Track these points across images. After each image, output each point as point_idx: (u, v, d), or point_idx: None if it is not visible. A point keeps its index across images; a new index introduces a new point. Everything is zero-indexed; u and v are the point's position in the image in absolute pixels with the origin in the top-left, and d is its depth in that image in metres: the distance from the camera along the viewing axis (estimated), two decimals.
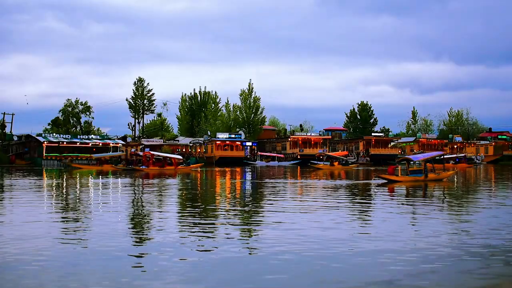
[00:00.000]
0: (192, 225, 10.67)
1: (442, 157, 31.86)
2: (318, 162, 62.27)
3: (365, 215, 12.82)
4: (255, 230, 10.25)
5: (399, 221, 11.55)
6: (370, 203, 16.01)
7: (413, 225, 11.16)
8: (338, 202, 15.66)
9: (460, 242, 8.72)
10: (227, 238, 9.15)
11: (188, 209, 14.26)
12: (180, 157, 46.30)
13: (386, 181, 24.97)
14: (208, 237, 9.26)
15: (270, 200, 16.60)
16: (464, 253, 7.82)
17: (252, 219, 11.85)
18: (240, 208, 14.14)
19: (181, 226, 10.73)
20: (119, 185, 24.02)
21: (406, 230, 10.22)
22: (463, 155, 63.74)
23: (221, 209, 14.21)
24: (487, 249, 8.14)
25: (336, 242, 8.66)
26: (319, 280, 6.37)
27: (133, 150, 57.68)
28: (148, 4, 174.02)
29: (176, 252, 7.91)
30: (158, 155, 44.33)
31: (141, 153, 48.17)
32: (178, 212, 13.57)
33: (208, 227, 10.36)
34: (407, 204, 15.74)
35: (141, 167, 41.77)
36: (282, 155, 72.33)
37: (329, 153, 59.90)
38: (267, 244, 8.45)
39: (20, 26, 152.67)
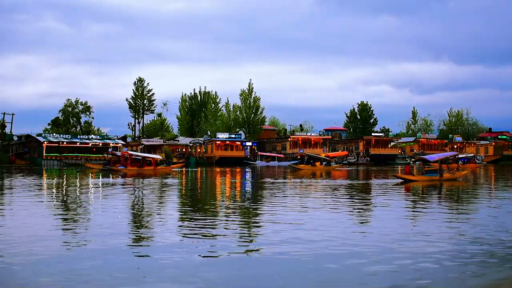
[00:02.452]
0: (192, 225, 10.67)
1: (456, 157, 32.16)
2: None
3: (365, 214, 12.82)
4: (255, 229, 10.26)
5: (400, 220, 11.54)
6: (371, 202, 16.01)
7: (413, 224, 11.17)
8: (338, 201, 15.68)
9: (460, 241, 8.73)
10: (226, 237, 9.15)
11: (187, 208, 14.27)
12: (159, 157, 44.72)
13: (402, 180, 25.45)
14: (208, 237, 9.26)
15: (269, 199, 16.59)
16: (465, 253, 7.83)
17: (252, 219, 11.86)
18: (240, 208, 14.14)
19: (180, 225, 10.73)
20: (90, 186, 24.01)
21: (406, 229, 10.22)
22: (472, 155, 63.45)
23: (221, 208, 14.21)
24: (488, 249, 8.14)
25: (335, 241, 8.66)
26: (318, 281, 6.38)
27: (110, 149, 55.58)
28: (148, 4, 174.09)
29: (176, 251, 7.92)
30: (137, 155, 43.03)
31: (118, 153, 46.71)
32: (178, 212, 13.58)
33: (208, 227, 10.36)
34: (410, 204, 15.75)
35: (119, 167, 40.69)
36: (282, 155, 72.30)
37: (310, 153, 57.15)
38: (267, 244, 8.46)
39: (19, 26, 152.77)
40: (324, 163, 50.30)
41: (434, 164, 28.43)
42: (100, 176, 32.25)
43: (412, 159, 71.69)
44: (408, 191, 20.75)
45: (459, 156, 40.13)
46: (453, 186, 23.38)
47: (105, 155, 55.22)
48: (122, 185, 24.51)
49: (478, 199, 17.27)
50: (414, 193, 19.91)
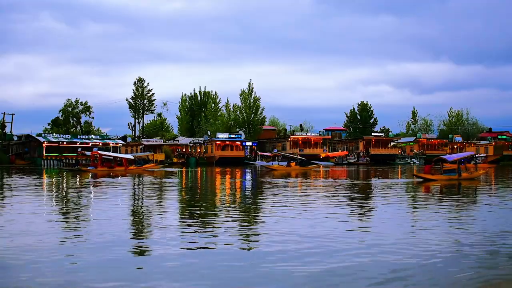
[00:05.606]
0: (192, 224, 10.67)
1: (474, 156, 32.71)
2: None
3: (366, 214, 12.81)
4: (255, 229, 10.26)
5: (401, 220, 11.53)
6: (371, 202, 16.01)
7: (414, 223, 11.15)
8: (338, 201, 15.68)
9: (460, 241, 8.72)
10: (226, 237, 9.14)
11: (187, 208, 14.26)
12: (131, 157, 43.26)
13: (422, 179, 26.11)
14: (208, 236, 9.26)
15: (270, 199, 16.58)
16: (464, 252, 7.82)
17: (251, 218, 11.85)
18: (240, 207, 14.14)
19: (181, 224, 10.73)
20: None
21: (404, 229, 10.20)
22: (484, 155, 63.33)
23: (221, 208, 14.19)
24: (488, 248, 8.14)
25: (336, 241, 8.66)
26: (318, 281, 6.38)
27: (79, 149, 53.68)
28: (146, 4, 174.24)
29: (176, 251, 7.92)
30: (107, 155, 41.86)
31: (88, 153, 45.13)
32: (178, 212, 13.58)
33: (208, 226, 10.36)
34: (411, 203, 15.75)
35: (88, 168, 39.57)
36: None
37: (285, 153, 54.77)
38: (268, 244, 8.46)
39: (18, 26, 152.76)
40: (299, 162, 47.35)
41: (447, 164, 28.91)
42: (67, 177, 31.25)
43: (413, 159, 72.03)
44: (426, 190, 21.09)
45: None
46: (470, 185, 23.60)
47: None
48: (121, 183, 24.51)
49: (486, 199, 17.30)
50: (430, 192, 20.11)
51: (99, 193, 19.62)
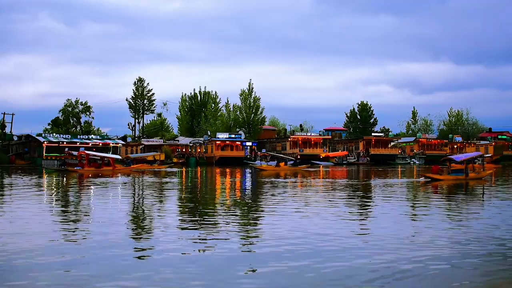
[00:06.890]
0: (192, 224, 10.67)
1: (483, 157, 32.86)
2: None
3: (365, 213, 12.81)
4: (254, 229, 10.26)
5: (401, 220, 11.54)
6: (369, 201, 16.01)
7: (413, 224, 11.16)
8: (339, 200, 15.68)
9: (460, 241, 8.73)
10: (226, 237, 9.15)
11: (187, 208, 14.27)
12: (118, 156, 42.37)
13: (429, 179, 26.17)
14: (208, 235, 9.26)
15: (270, 199, 16.59)
16: (464, 253, 7.83)
17: (251, 218, 11.86)
18: (240, 208, 14.14)
19: (181, 224, 10.73)
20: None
21: (407, 229, 10.21)
22: (489, 155, 63.28)
23: (221, 208, 14.20)
24: (488, 249, 8.14)
25: (335, 240, 8.66)
26: (319, 280, 6.38)
27: (66, 149, 52.50)
28: (146, 4, 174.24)
29: (176, 249, 7.92)
30: (94, 155, 41.43)
31: (75, 153, 44.58)
32: (178, 211, 13.58)
33: (208, 226, 10.36)
34: (410, 204, 15.75)
35: (75, 168, 39.08)
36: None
37: (274, 153, 54.12)
38: (268, 244, 8.47)
39: (18, 26, 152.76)
40: (290, 162, 47.09)
41: (454, 164, 28.96)
42: (55, 177, 30.92)
43: (413, 159, 72.00)
44: (433, 190, 21.14)
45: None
46: (476, 185, 23.66)
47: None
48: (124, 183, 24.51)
49: (488, 198, 17.31)
50: (436, 192, 20.16)
51: (95, 193, 19.63)
